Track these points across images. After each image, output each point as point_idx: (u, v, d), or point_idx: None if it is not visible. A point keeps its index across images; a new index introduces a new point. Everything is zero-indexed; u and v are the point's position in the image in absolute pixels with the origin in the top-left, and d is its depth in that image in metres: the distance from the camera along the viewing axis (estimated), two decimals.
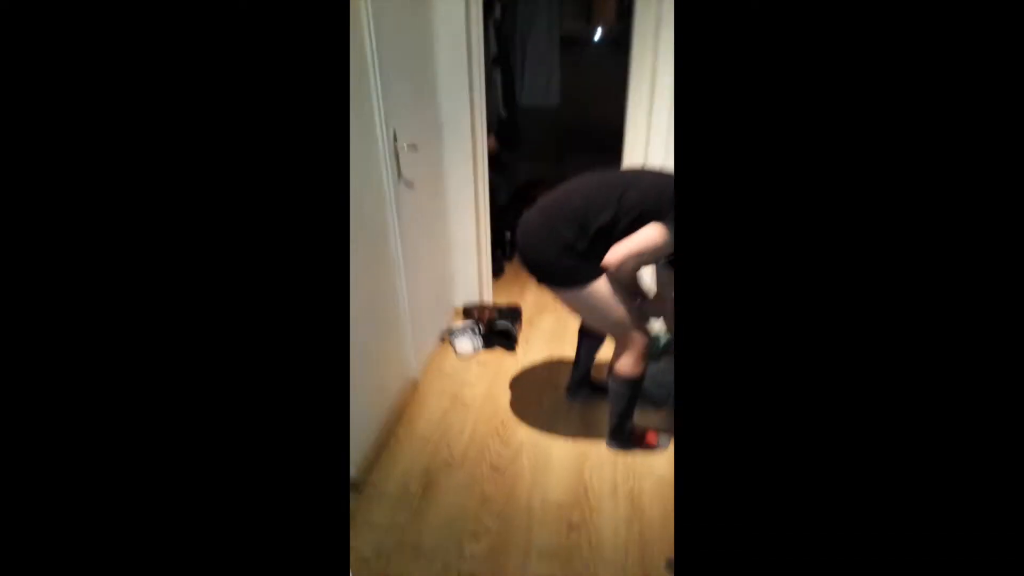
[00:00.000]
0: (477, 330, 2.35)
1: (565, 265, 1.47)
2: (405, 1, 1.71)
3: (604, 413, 1.78)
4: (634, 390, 1.65)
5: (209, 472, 0.56)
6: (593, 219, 1.42)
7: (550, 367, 2.21)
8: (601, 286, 1.47)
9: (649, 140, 2.10)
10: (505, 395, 2.02)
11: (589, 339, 1.88)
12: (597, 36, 3.98)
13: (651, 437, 1.76)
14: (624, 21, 3.76)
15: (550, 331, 2.52)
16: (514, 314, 2.46)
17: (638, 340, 1.58)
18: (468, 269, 2.55)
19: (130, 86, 0.52)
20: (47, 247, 0.52)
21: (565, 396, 1.98)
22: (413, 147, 1.77)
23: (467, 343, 2.30)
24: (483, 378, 2.14)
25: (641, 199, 1.40)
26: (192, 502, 0.56)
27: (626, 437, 1.73)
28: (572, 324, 2.51)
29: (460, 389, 2.07)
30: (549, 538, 1.41)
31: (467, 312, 2.52)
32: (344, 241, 0.70)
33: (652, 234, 1.37)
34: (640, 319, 1.59)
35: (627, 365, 1.60)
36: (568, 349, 2.08)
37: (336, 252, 0.61)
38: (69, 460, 0.53)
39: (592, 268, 1.46)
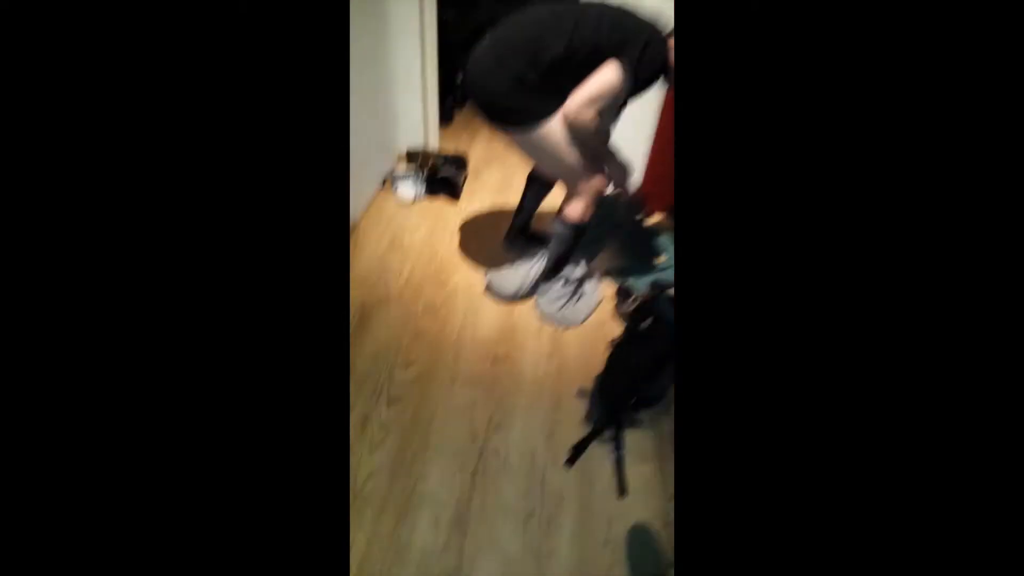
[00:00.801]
0: (420, 176, 2.30)
1: (516, 101, 1.42)
2: None
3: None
4: (577, 235, 1.70)
5: (208, 469, 0.56)
6: (545, 50, 1.34)
7: (492, 217, 2.22)
8: (555, 127, 1.44)
9: None
10: (444, 242, 2.04)
11: (537, 185, 1.88)
12: None
13: None
14: None
15: (496, 184, 2.50)
16: (459, 163, 2.41)
17: (590, 186, 1.59)
18: (413, 111, 2.42)
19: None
20: (47, 247, 0.51)
21: (503, 244, 2.02)
22: None
23: (409, 189, 2.26)
24: (423, 224, 2.14)
25: (595, 32, 1.32)
26: (187, 495, 0.56)
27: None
28: (519, 177, 2.49)
29: (399, 233, 2.07)
30: (474, 368, 1.52)
31: (411, 157, 2.44)
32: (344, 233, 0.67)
33: (609, 75, 1.32)
34: (594, 164, 1.57)
35: (576, 210, 1.64)
36: (513, 202, 2.08)
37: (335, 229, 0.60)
38: (69, 460, 0.53)
39: (545, 106, 1.41)
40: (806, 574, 0.56)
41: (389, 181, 2.32)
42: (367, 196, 2.16)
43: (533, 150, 1.53)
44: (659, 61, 1.35)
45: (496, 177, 2.54)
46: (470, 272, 1.90)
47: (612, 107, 1.41)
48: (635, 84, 1.36)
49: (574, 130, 1.41)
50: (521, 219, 1.96)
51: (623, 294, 1.78)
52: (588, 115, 1.37)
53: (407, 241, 2.03)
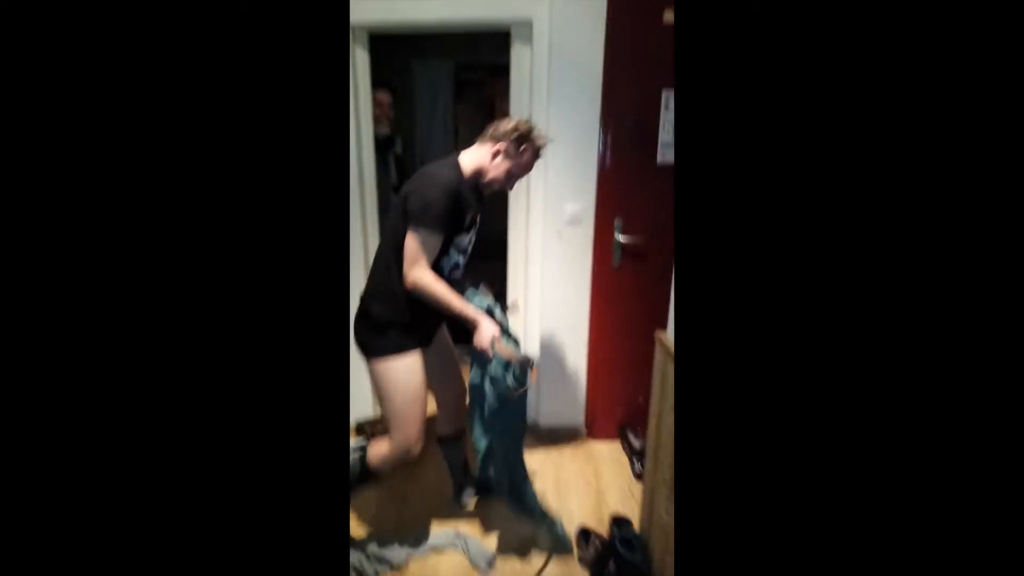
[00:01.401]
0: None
1: (358, 329, 1.51)
2: None
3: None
4: (363, 478, 1.69)
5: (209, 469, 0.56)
6: (372, 285, 1.50)
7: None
8: (385, 366, 1.49)
9: (528, 245, 2.27)
10: (391, 507, 1.92)
11: (448, 444, 1.86)
12: None
13: None
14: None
15: None
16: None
17: (401, 437, 1.54)
18: (362, 381, 2.49)
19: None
20: (46, 247, 0.52)
21: (454, 504, 1.91)
22: None
23: (354, 464, 2.18)
24: (374, 504, 2.02)
25: (391, 231, 1.48)
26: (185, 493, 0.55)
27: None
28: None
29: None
30: None
31: (360, 430, 2.42)
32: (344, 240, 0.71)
33: (409, 242, 1.40)
34: (415, 420, 1.54)
35: (377, 455, 1.62)
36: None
37: (335, 246, 0.63)
38: (70, 461, 0.52)
39: (382, 338, 1.48)
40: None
41: None
42: None
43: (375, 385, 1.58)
44: (427, 202, 1.38)
45: None
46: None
47: (433, 256, 1.44)
48: (430, 225, 1.39)
49: (417, 293, 1.42)
50: (458, 477, 1.91)
51: (583, 537, 1.66)
52: (416, 274, 1.40)
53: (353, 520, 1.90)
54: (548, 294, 2.26)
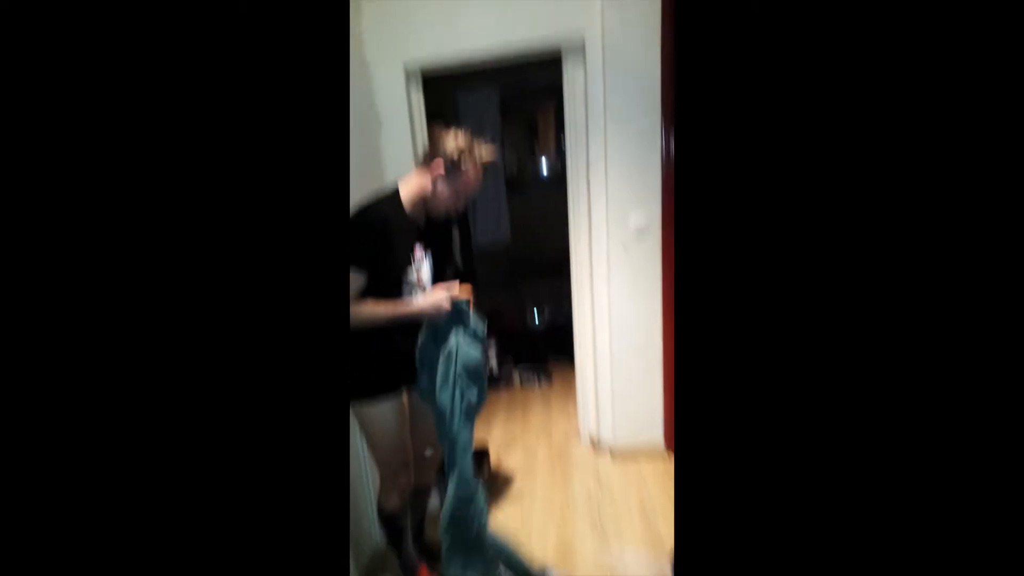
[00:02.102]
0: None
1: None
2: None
3: None
4: (391, 527, 1.60)
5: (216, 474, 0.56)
6: None
7: (536, 508, 2.09)
8: (372, 411, 1.43)
9: (592, 263, 2.23)
10: None
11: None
12: (544, 172, 4.35)
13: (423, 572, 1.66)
14: (563, 159, 4.16)
15: (521, 465, 2.42)
16: (480, 455, 2.32)
17: (388, 475, 1.52)
18: None
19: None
20: (46, 247, 0.52)
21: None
22: None
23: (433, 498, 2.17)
24: None
25: None
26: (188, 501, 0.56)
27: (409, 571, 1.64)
28: (542, 452, 2.44)
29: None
30: None
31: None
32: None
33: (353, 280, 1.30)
34: (401, 453, 1.52)
35: (388, 498, 1.56)
36: (541, 486, 1.98)
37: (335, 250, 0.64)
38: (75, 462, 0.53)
39: (362, 379, 1.40)
40: None
41: None
42: None
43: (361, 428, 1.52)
44: (360, 231, 1.29)
45: (519, 458, 2.47)
46: None
47: (357, 294, 1.33)
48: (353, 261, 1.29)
49: (356, 329, 1.32)
50: (405, 541, 1.69)
51: None
52: (360, 313, 1.31)
53: None
54: (616, 311, 2.20)
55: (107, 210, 0.54)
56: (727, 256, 0.59)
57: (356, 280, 1.29)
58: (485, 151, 1.38)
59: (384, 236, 1.31)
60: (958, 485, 0.52)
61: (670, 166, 2.03)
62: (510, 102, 4.21)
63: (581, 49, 2.03)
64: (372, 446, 1.50)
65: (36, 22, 0.51)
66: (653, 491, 2.06)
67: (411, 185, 1.38)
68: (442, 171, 1.34)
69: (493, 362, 3.20)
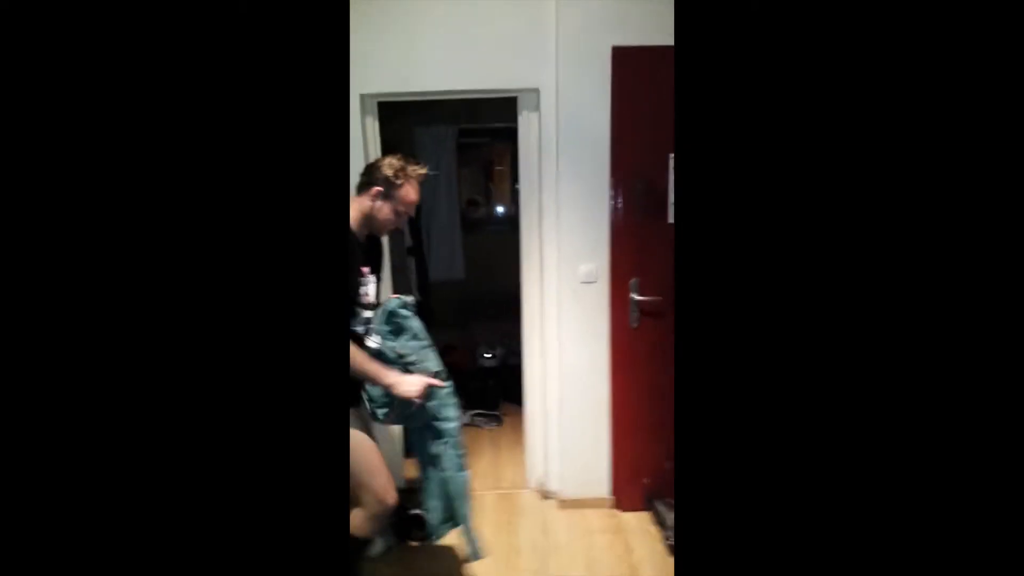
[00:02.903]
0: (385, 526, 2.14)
1: None
2: None
3: None
4: (357, 551, 1.60)
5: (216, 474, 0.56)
6: None
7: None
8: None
9: (543, 304, 2.23)
10: None
11: None
12: (499, 211, 4.39)
13: None
14: (517, 203, 4.20)
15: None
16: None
17: (375, 497, 1.49)
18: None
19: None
20: (47, 247, 0.52)
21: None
22: None
23: (376, 543, 2.07)
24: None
25: None
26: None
27: None
28: (505, 471, 2.38)
29: None
30: None
31: None
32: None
33: None
34: (379, 473, 1.51)
35: (358, 525, 1.53)
36: (509, 521, 1.92)
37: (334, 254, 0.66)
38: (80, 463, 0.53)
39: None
40: None
41: None
42: None
43: None
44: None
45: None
46: None
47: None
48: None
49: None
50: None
51: None
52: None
53: None
54: (567, 355, 2.20)
55: (102, 209, 0.54)
56: (729, 259, 0.59)
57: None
58: (418, 167, 1.51)
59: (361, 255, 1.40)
60: (966, 497, 0.52)
61: (618, 222, 2.07)
62: (467, 143, 4.25)
63: (536, 98, 2.07)
64: (357, 468, 1.44)
65: (36, 22, 0.51)
66: (599, 543, 2.03)
67: (356, 209, 1.48)
68: (380, 189, 1.46)
69: None
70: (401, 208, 1.50)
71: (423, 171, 1.53)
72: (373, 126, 2.17)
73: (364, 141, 2.12)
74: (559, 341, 2.20)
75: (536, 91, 2.06)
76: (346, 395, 1.15)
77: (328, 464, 0.62)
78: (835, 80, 0.55)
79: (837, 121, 0.56)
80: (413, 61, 2.03)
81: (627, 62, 1.95)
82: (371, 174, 1.48)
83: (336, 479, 0.64)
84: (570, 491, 2.29)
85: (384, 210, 1.49)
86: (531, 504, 2.32)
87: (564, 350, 2.20)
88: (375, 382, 1.45)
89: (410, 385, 1.46)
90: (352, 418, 1.51)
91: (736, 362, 0.60)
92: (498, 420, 3.15)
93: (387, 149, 2.26)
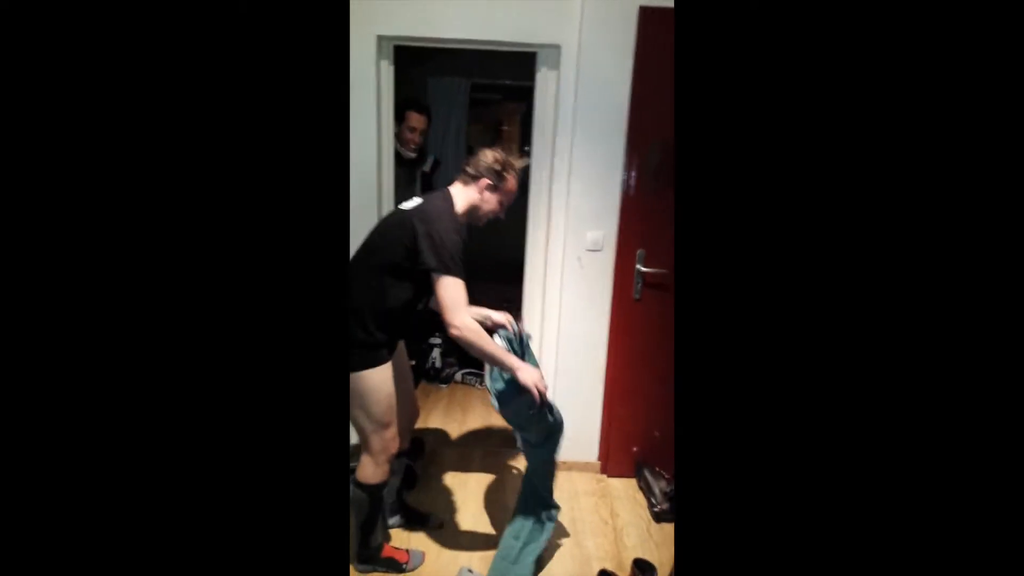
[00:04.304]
0: None
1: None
2: None
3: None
4: (373, 500, 1.61)
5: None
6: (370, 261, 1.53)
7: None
8: (372, 376, 1.49)
9: (547, 269, 2.22)
10: (403, 542, 1.83)
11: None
12: None
13: (400, 554, 1.70)
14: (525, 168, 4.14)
15: (458, 463, 2.38)
16: (415, 448, 2.31)
17: (379, 443, 1.56)
18: None
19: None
20: (47, 248, 0.52)
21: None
22: None
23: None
24: None
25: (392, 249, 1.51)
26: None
27: (371, 554, 1.67)
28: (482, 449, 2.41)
29: None
30: None
31: None
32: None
33: (447, 290, 1.43)
34: (391, 423, 1.58)
35: (367, 470, 1.59)
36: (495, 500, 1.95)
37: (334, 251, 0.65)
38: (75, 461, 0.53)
39: (362, 353, 1.49)
40: None
41: None
42: None
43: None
44: (452, 249, 1.46)
45: (454, 456, 2.44)
46: None
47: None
48: (458, 272, 1.46)
49: (462, 340, 1.45)
50: (388, 498, 1.80)
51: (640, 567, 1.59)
52: (464, 322, 1.44)
53: None
54: (566, 322, 2.20)
55: (101, 195, 0.53)
56: (728, 258, 0.60)
57: (461, 284, 1.45)
58: (520, 160, 1.63)
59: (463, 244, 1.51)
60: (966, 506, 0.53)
61: (629, 191, 2.04)
62: (478, 98, 4.16)
63: (557, 55, 2.00)
64: (369, 415, 1.54)
65: (36, 22, 0.51)
66: (584, 505, 2.07)
67: (462, 198, 1.58)
68: (489, 183, 1.56)
69: (437, 361, 3.15)
70: (505, 200, 1.63)
71: (525, 162, 1.65)
72: (388, 71, 2.10)
73: (378, 86, 2.05)
74: (560, 307, 2.20)
75: (557, 48, 1.99)
76: (343, 390, 1.25)
77: (326, 460, 0.62)
78: (835, 58, 0.55)
79: (836, 104, 0.55)
80: (434, 5, 1.96)
81: (654, 24, 1.88)
82: (476, 167, 1.57)
83: (336, 476, 0.65)
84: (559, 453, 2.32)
85: (492, 201, 1.60)
86: (518, 464, 2.36)
87: (564, 316, 2.20)
88: (500, 364, 1.52)
89: (532, 372, 1.52)
90: (394, 365, 1.57)
91: (735, 337, 0.61)
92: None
93: (399, 97, 2.21)
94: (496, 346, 1.52)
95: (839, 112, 0.55)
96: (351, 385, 1.49)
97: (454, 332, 1.44)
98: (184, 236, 0.55)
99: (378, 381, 1.51)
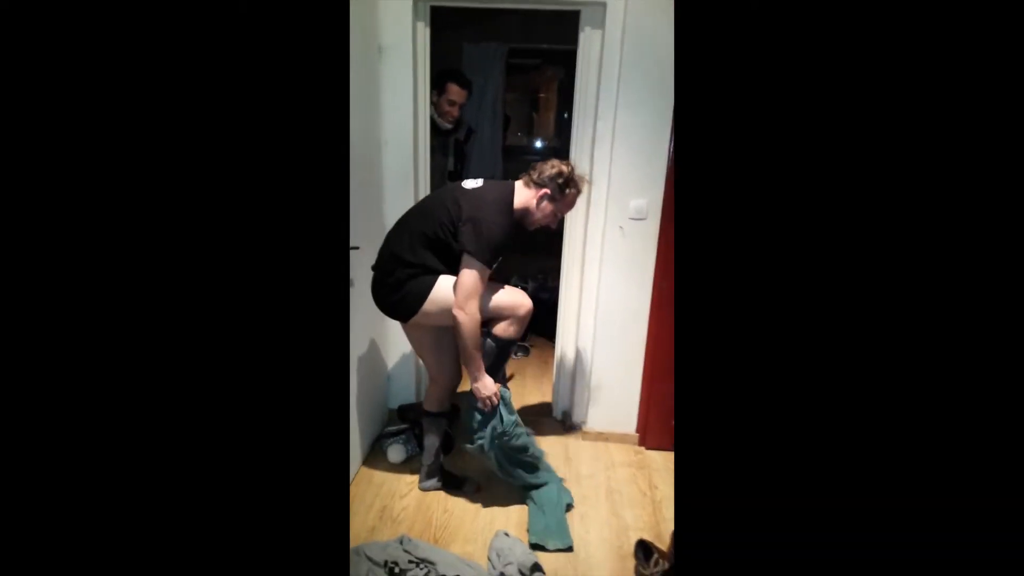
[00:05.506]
0: (411, 435, 2.21)
1: (385, 300, 1.63)
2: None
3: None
4: (436, 425, 1.83)
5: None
6: (418, 234, 1.58)
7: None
8: (430, 310, 1.57)
9: (586, 238, 2.16)
10: (440, 504, 1.86)
11: (428, 418, 1.87)
12: (538, 145, 4.26)
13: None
14: (562, 137, 4.04)
15: None
16: (453, 412, 2.34)
17: (446, 379, 1.77)
18: (405, 371, 2.44)
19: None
20: (47, 248, 0.51)
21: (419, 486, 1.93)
22: (355, 248, 1.74)
23: (399, 449, 2.14)
24: (416, 486, 1.97)
25: (444, 221, 1.56)
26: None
27: (435, 469, 1.88)
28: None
29: (390, 501, 1.89)
30: None
31: (402, 414, 2.38)
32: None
33: (467, 274, 1.49)
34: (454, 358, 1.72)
35: (431, 398, 1.82)
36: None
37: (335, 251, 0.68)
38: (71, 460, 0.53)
39: (412, 298, 1.57)
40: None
41: (379, 444, 2.22)
42: (354, 463, 2.03)
43: (414, 340, 1.78)
44: (491, 239, 1.50)
45: None
46: (467, 540, 1.69)
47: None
48: (488, 262, 1.52)
49: (458, 326, 1.53)
50: (429, 460, 1.90)
51: (643, 551, 1.57)
52: (470, 309, 1.51)
53: (398, 509, 1.85)
54: (605, 292, 2.16)
55: (101, 182, 0.53)
56: (728, 253, 0.60)
57: (486, 278, 1.52)
58: (583, 180, 1.65)
59: (510, 242, 1.56)
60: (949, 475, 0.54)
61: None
62: (515, 63, 4.05)
63: (601, 13, 1.91)
64: (432, 346, 1.73)
65: (36, 21, 0.50)
66: (622, 475, 2.06)
67: (521, 197, 1.61)
68: (549, 193, 1.58)
69: None
70: (560, 213, 1.65)
71: (585, 184, 1.68)
72: (424, 34, 2.05)
73: (414, 51, 2.00)
74: (599, 277, 2.15)
75: (603, 5, 1.90)
76: (343, 389, 1.41)
77: (326, 458, 0.62)
78: (835, 58, 0.55)
79: (836, 104, 0.55)
80: None
81: None
82: (540, 175, 1.58)
83: (335, 475, 0.65)
84: (596, 424, 2.31)
85: (546, 211, 1.61)
86: (554, 433, 2.36)
87: (603, 287, 2.15)
88: (471, 361, 1.59)
89: (488, 386, 1.62)
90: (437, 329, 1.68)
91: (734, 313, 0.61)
92: (525, 350, 3.17)
93: (435, 67, 2.15)
94: (478, 347, 1.58)
95: (840, 112, 0.55)
96: (413, 330, 1.70)
97: (458, 313, 1.50)
98: (184, 236, 0.55)
99: (433, 317, 1.58)
